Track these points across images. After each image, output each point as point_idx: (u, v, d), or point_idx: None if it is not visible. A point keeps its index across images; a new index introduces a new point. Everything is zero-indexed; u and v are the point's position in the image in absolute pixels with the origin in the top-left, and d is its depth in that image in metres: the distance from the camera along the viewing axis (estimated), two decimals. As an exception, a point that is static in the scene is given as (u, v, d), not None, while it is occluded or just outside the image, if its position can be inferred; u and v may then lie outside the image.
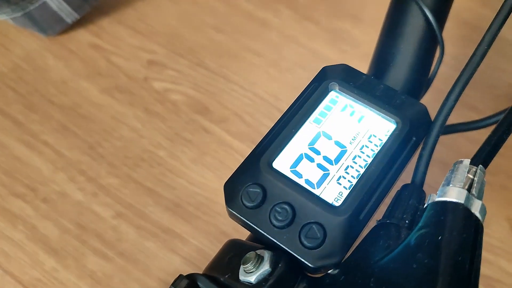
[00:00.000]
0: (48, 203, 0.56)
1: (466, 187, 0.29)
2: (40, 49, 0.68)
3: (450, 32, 0.70)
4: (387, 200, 0.34)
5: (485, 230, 0.59)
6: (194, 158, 0.60)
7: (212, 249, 0.53)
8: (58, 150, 0.60)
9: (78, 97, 0.64)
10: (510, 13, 0.35)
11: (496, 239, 0.57)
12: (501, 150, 0.65)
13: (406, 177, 0.36)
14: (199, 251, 0.54)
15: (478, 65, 0.36)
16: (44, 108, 0.63)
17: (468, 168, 0.31)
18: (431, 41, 0.44)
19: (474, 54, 0.36)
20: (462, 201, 0.28)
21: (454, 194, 0.29)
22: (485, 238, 0.57)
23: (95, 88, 0.65)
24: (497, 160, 0.62)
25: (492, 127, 0.34)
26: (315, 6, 0.73)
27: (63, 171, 0.58)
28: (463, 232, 0.27)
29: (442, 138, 0.60)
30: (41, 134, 0.61)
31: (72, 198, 0.57)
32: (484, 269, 0.56)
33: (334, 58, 0.69)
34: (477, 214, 0.28)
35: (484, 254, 0.56)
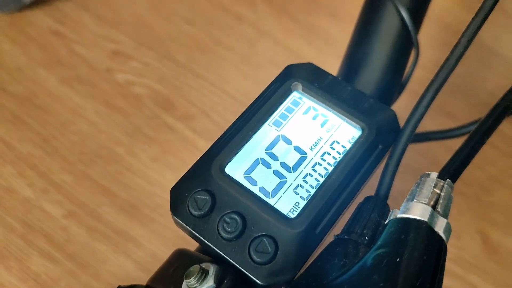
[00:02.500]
0: (-7, 198, 0.52)
1: (432, 203, 0.27)
2: (-4, 33, 0.63)
3: (431, 36, 0.68)
4: (348, 213, 0.32)
5: (456, 243, 0.57)
6: (155, 156, 0.56)
7: (168, 255, 0.50)
8: (8, 141, 0.56)
9: (35, 86, 0.60)
10: (489, 14, 0.33)
11: (467, 252, 0.55)
12: (477, 161, 0.64)
13: (373, 184, 0.34)
14: (153, 256, 0.50)
15: (452, 69, 0.34)
16: (-4, 96, 0.59)
17: (434, 182, 0.28)
18: (406, 43, 0.42)
19: (448, 57, 0.33)
20: (425, 219, 0.26)
21: (418, 211, 0.26)
22: (456, 252, 0.55)
23: (54, 77, 0.61)
24: (472, 171, 0.60)
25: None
26: (291, 1, 0.71)
27: (11, 164, 0.54)
28: (424, 253, 0.25)
29: (417, 145, 0.58)
30: (-9, 124, 0.57)
31: (20, 194, 0.53)
32: (452, 284, 0.54)
33: (310, 56, 0.66)
34: (441, 234, 0.26)
35: (454, 268, 0.54)
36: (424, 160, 0.60)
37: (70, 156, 0.55)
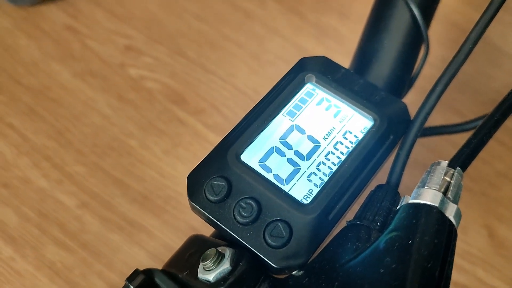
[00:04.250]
0: (9, 188, 0.54)
1: (442, 190, 0.28)
2: (12, 28, 0.64)
3: (439, 34, 0.69)
4: (360, 200, 0.33)
5: (462, 237, 0.57)
6: (166, 149, 0.57)
7: (180, 245, 0.51)
8: (24, 133, 0.57)
9: (49, 79, 0.61)
10: (498, 11, 0.33)
11: (474, 247, 0.56)
12: (484, 157, 0.64)
13: (382, 176, 0.35)
14: (166, 246, 0.51)
15: (462, 63, 0.34)
16: (12, 89, 0.60)
17: (445, 170, 0.29)
18: (416, 38, 0.42)
19: (458, 51, 0.34)
20: (436, 204, 0.27)
21: (429, 197, 0.27)
22: (462, 246, 0.56)
23: (67, 71, 0.62)
24: (479, 166, 0.61)
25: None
26: (301, 0, 0.71)
27: (27, 156, 0.55)
28: (435, 237, 0.25)
29: (424, 140, 0.59)
30: (6, 116, 0.58)
31: (35, 184, 0.54)
32: (459, 278, 0.55)
33: (318, 53, 0.66)
34: (452, 219, 0.27)
35: (461, 262, 0.55)
36: (431, 155, 0.61)
37: (83, 148, 0.56)
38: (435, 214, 0.26)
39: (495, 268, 0.55)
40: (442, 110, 0.65)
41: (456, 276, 0.55)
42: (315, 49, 0.68)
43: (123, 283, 0.34)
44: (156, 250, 0.51)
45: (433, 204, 0.27)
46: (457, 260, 0.55)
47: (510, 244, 0.56)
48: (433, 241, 0.25)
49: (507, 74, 0.70)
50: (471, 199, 0.59)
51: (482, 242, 0.56)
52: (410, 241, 0.25)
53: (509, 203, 0.58)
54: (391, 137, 0.34)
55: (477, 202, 0.59)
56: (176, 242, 0.51)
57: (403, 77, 0.43)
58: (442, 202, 0.27)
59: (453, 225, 0.27)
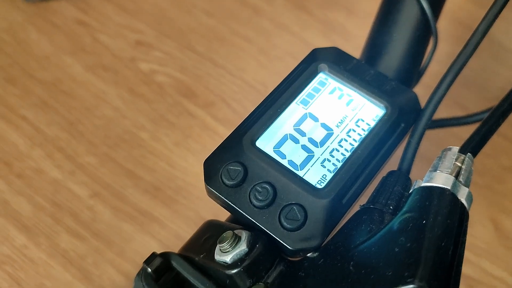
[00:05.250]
0: (22, 179, 0.54)
1: (454, 174, 0.29)
2: (24, 22, 0.65)
3: (445, 31, 0.70)
4: (373, 186, 0.33)
5: (468, 230, 0.58)
6: (177, 141, 0.58)
7: (191, 234, 0.51)
8: (37, 125, 0.58)
9: (61, 72, 0.62)
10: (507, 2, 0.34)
11: (480, 239, 0.56)
12: (489, 151, 0.65)
13: (393, 164, 0.35)
14: (177, 236, 0.52)
15: (471, 54, 0.35)
16: (24, 82, 0.61)
17: (456, 156, 0.30)
18: (425, 31, 0.43)
19: (467, 42, 0.35)
20: (448, 187, 0.28)
21: (441, 180, 0.28)
22: (468, 238, 0.56)
23: (79, 64, 0.63)
24: (484, 161, 0.61)
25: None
26: (309, -4, 0.72)
27: (40, 147, 0.56)
28: (448, 218, 0.26)
29: (431, 134, 0.59)
30: (20, 108, 0.59)
31: (49, 175, 0.55)
32: (466, 269, 0.55)
33: (325, 49, 0.68)
34: (463, 201, 0.28)
35: (467, 254, 0.56)
36: (438, 150, 0.61)
37: (95, 140, 0.57)
38: (447, 196, 0.27)
39: (501, 260, 0.55)
40: (448, 106, 0.65)
41: (462, 268, 0.55)
42: (322, 45, 0.68)
43: (135, 271, 0.34)
44: (167, 239, 0.52)
45: (446, 187, 0.28)
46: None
47: (516, 237, 0.57)
48: (446, 221, 0.26)
49: (511, 70, 0.70)
50: (476, 193, 0.59)
51: (488, 235, 0.57)
52: (424, 221, 0.26)
53: (515, 197, 0.59)
54: (402, 125, 0.35)
55: (483, 195, 0.60)
56: (187, 232, 0.52)
57: (412, 69, 0.43)
58: (454, 185, 0.28)
59: (464, 207, 0.28)
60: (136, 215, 0.53)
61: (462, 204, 0.27)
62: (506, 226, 0.57)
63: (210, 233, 0.34)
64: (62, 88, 0.61)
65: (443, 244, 0.25)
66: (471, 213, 0.60)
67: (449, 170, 0.29)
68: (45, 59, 0.63)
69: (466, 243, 0.57)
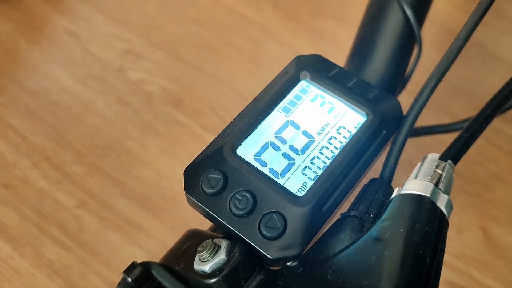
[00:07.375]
0: (9, 189, 0.54)
1: (434, 181, 0.28)
2: (13, 31, 0.65)
3: (432, 39, 0.70)
4: (354, 194, 0.33)
5: (458, 238, 0.58)
6: (164, 150, 0.58)
7: (177, 244, 0.51)
8: (24, 134, 0.57)
9: (49, 82, 0.62)
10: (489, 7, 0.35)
11: (469, 248, 0.56)
12: (479, 159, 0.65)
13: (377, 170, 0.35)
14: (163, 245, 0.52)
15: (453, 60, 0.35)
16: (12, 91, 0.61)
17: (436, 163, 0.30)
18: (409, 38, 0.43)
19: (449, 49, 0.35)
20: (428, 194, 0.27)
21: (420, 187, 0.28)
22: (457, 246, 0.56)
23: (68, 74, 0.63)
24: (474, 168, 0.61)
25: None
26: (298, 5, 0.73)
27: (27, 156, 0.56)
28: (426, 225, 0.26)
29: (418, 142, 0.59)
30: (7, 117, 0.59)
31: (35, 185, 0.54)
32: (455, 278, 0.55)
33: (315, 58, 0.68)
34: (443, 209, 0.27)
35: (456, 262, 0.55)
36: (423, 156, 0.61)
37: (82, 149, 0.57)
38: (426, 203, 0.27)
39: (491, 269, 0.55)
40: (437, 113, 0.66)
41: (451, 276, 0.55)
42: (311, 53, 0.68)
43: (121, 281, 0.34)
44: (154, 248, 0.52)
45: (425, 194, 0.27)
46: (453, 260, 0.55)
47: (505, 245, 0.57)
48: (424, 228, 0.26)
49: (500, 78, 0.70)
50: (466, 200, 0.59)
51: (477, 243, 0.57)
52: (402, 229, 0.26)
53: (504, 205, 0.59)
54: (384, 132, 0.35)
55: (472, 203, 0.59)
56: (173, 241, 0.51)
57: (396, 76, 0.43)
58: (434, 192, 0.28)
59: (444, 214, 0.27)
60: (123, 224, 0.53)
61: (442, 211, 0.27)
62: (495, 234, 0.57)
63: (191, 242, 0.34)
64: (50, 98, 0.61)
65: (420, 251, 0.25)
66: (461, 221, 0.60)
67: (429, 178, 0.29)
68: (34, 68, 0.63)
69: (456, 252, 0.56)
